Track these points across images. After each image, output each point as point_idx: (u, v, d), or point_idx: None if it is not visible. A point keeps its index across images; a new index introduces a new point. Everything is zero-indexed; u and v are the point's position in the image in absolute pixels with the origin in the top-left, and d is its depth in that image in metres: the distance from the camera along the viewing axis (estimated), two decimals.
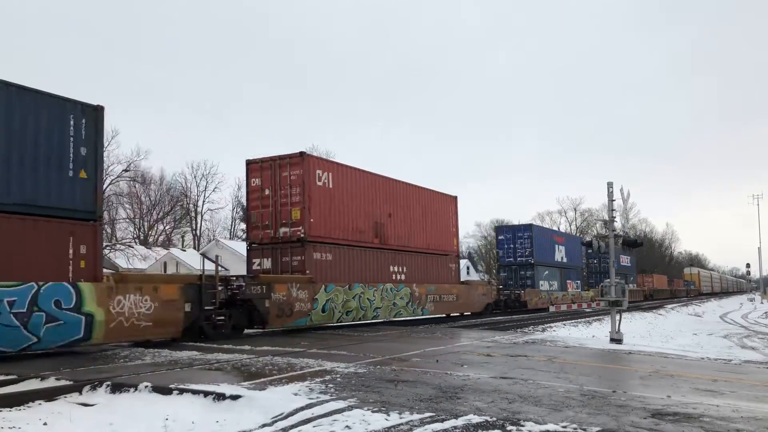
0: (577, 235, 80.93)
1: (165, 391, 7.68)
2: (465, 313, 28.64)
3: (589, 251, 45.61)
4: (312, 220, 18.39)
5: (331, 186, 19.36)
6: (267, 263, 18.87)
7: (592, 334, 24.39)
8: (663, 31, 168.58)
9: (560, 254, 42.26)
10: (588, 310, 39.11)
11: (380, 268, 21.74)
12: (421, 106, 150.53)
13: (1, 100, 11.15)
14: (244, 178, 19.91)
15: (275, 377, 8.90)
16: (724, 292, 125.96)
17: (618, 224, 18.61)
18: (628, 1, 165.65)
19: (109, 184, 35.38)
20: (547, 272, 39.56)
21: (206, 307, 14.64)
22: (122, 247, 35.69)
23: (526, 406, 6.89)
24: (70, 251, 11.88)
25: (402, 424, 5.99)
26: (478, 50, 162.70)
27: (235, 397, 7.19)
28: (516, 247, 38.36)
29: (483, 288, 30.90)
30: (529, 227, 39.01)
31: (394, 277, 22.40)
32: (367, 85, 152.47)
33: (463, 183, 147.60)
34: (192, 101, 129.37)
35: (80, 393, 7.92)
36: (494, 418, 6.15)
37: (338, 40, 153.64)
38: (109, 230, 47.06)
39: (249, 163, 19.51)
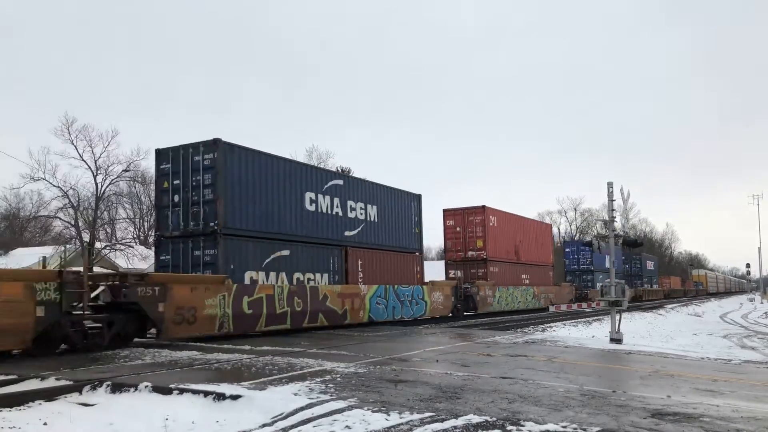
0: (577, 235, 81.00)
1: (165, 391, 7.68)
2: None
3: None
4: (489, 246, 30.37)
5: (496, 225, 31.49)
6: (459, 273, 30.30)
7: (592, 334, 24.40)
8: (663, 32, 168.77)
9: None
10: (588, 310, 39.13)
11: (517, 275, 33.93)
12: (420, 106, 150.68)
13: (390, 197, 23.45)
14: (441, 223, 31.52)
15: (275, 377, 8.90)
16: (727, 292, 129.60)
17: (618, 224, 18.59)
18: (628, 1, 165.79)
19: (109, 184, 35.31)
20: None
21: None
22: (122, 247, 35.63)
23: (526, 406, 6.89)
24: (416, 269, 24.30)
25: (402, 424, 5.99)
26: (478, 50, 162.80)
27: (235, 397, 7.19)
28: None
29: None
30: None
31: (525, 282, 35.00)
32: (367, 84, 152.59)
33: (464, 183, 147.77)
34: (192, 101, 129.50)
35: (80, 393, 7.92)
36: (494, 418, 6.15)
37: (338, 41, 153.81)
38: (109, 230, 47.11)
39: (446, 211, 31.50)
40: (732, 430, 5.93)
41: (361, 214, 21.80)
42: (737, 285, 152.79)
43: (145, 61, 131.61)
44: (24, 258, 42.51)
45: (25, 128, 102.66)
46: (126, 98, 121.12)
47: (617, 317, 17.56)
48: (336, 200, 20.63)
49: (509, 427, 5.83)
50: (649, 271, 67.91)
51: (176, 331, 14.14)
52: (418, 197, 25.15)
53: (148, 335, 14.55)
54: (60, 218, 35.74)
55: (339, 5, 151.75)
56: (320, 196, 19.90)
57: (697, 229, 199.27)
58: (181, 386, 7.77)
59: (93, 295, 12.79)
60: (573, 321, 29.30)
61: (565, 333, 23.61)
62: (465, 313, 28.19)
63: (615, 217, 18.17)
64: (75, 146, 32.96)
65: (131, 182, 42.08)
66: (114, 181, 35.43)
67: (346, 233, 20.97)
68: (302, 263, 18.78)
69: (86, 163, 33.41)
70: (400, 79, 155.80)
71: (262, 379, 8.63)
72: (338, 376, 9.03)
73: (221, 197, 16.00)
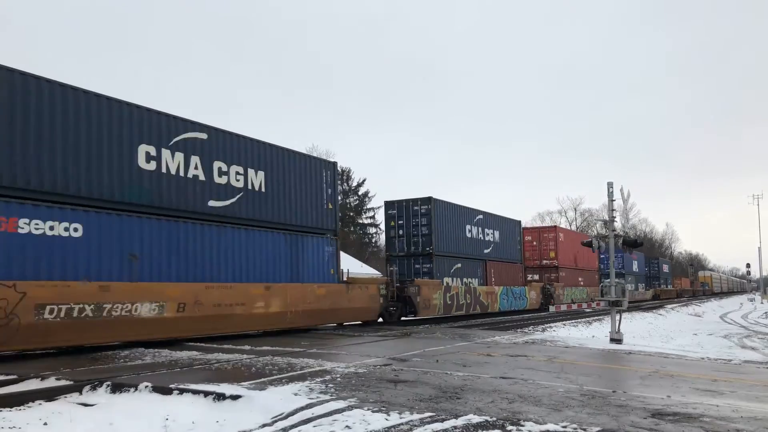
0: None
1: (165, 391, 7.68)
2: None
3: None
4: (559, 256, 38.62)
5: (563, 240, 39.57)
6: (536, 276, 37.97)
7: (592, 334, 24.40)
8: (664, 31, 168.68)
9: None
10: (588, 310, 39.15)
11: (576, 278, 42.44)
12: (419, 106, 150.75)
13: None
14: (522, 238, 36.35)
15: (275, 377, 8.90)
16: (729, 292, 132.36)
17: (618, 224, 18.58)
18: (629, 2, 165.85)
19: None
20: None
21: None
22: None
23: (526, 406, 6.89)
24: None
25: (402, 424, 5.99)
26: (477, 49, 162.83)
27: (235, 397, 7.20)
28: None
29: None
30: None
31: (580, 283, 43.38)
32: (366, 84, 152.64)
33: (463, 183, 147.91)
34: (192, 101, 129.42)
35: (80, 393, 7.92)
36: (494, 418, 6.16)
37: (337, 41, 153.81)
38: None
39: (525, 229, 37.41)
40: (732, 430, 5.93)
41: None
42: (739, 285, 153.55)
43: (146, 62, 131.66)
44: None
45: None
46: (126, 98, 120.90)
47: (617, 317, 17.56)
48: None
49: (509, 427, 5.83)
50: (664, 273, 77.47)
51: (423, 313, 23.50)
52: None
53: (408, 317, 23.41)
54: None
55: (337, 6, 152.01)
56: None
57: (697, 229, 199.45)
58: (181, 386, 7.77)
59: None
60: (573, 321, 29.30)
61: (566, 333, 23.61)
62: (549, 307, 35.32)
63: (615, 217, 18.17)
64: None
65: None
66: None
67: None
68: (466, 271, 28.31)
69: None
70: (399, 78, 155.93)
71: (262, 379, 8.63)
72: (338, 376, 9.03)
73: (433, 232, 25.74)
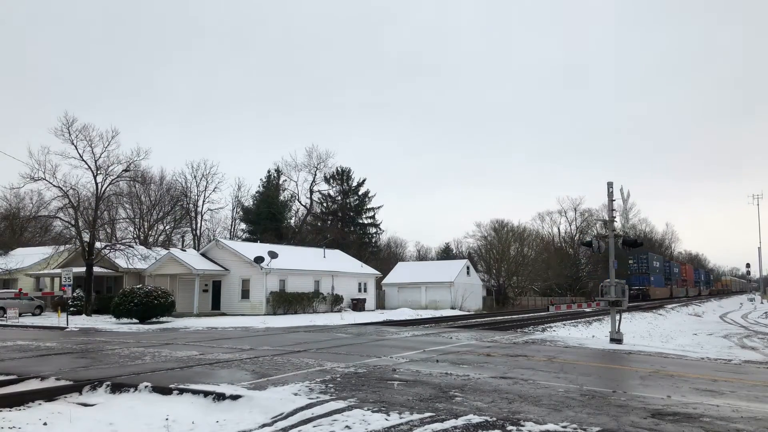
0: (577, 234, 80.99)
1: (165, 391, 7.68)
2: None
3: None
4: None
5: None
6: None
7: (592, 334, 24.41)
8: (664, 31, 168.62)
9: None
10: (588, 310, 39.15)
11: None
12: (419, 105, 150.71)
13: None
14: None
15: (275, 377, 8.90)
16: (731, 292, 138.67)
17: (618, 224, 18.57)
18: (630, 2, 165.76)
19: (109, 184, 35.17)
20: None
21: None
22: (122, 247, 35.55)
23: (526, 406, 6.89)
24: None
25: (402, 423, 5.99)
26: (477, 49, 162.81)
27: (235, 397, 7.19)
28: None
29: None
30: None
31: None
32: (366, 84, 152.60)
33: (463, 183, 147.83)
34: (192, 101, 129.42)
35: (80, 393, 7.91)
36: (494, 418, 6.15)
37: (337, 40, 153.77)
38: (109, 230, 47.05)
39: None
40: (732, 430, 5.92)
41: None
42: (745, 286, 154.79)
43: (144, 61, 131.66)
44: (24, 258, 42.49)
45: (26, 128, 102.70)
46: (127, 98, 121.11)
47: (617, 317, 17.55)
48: None
49: (509, 427, 5.82)
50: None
51: None
52: None
53: None
54: (60, 218, 35.61)
55: (337, 6, 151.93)
56: None
57: (697, 229, 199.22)
58: (181, 386, 7.77)
59: None
60: (573, 321, 29.31)
61: (565, 333, 23.61)
62: None
63: (615, 217, 18.16)
64: (75, 146, 32.84)
65: (131, 182, 42.00)
66: (114, 181, 35.36)
67: None
68: None
69: (86, 163, 33.32)
70: (399, 78, 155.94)
71: (262, 379, 8.62)
72: (338, 375, 9.02)
73: None
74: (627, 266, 67.56)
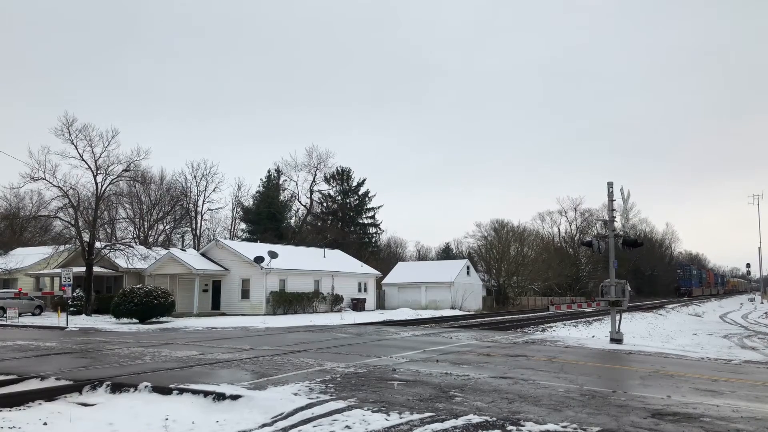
0: (577, 234, 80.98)
1: (165, 391, 7.68)
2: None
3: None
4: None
5: None
6: None
7: (592, 334, 24.41)
8: (663, 31, 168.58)
9: None
10: (588, 310, 39.16)
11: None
12: (419, 105, 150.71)
13: None
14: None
15: (275, 377, 8.90)
16: (743, 291, 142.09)
17: (618, 224, 18.56)
18: (630, 2, 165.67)
19: (109, 184, 35.16)
20: None
21: None
22: (122, 247, 35.53)
23: (526, 406, 6.89)
24: None
25: (402, 423, 5.99)
26: (476, 48, 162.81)
27: (235, 397, 7.19)
28: None
29: None
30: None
31: None
32: (366, 83, 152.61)
33: (463, 183, 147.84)
34: (192, 101, 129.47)
35: (80, 393, 7.91)
36: (494, 418, 6.15)
37: (336, 40, 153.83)
38: (109, 230, 47.03)
39: None
40: (732, 430, 5.92)
41: None
42: (746, 286, 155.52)
43: (146, 62, 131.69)
44: (24, 258, 42.49)
45: (26, 128, 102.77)
46: (126, 98, 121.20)
47: (617, 317, 17.55)
48: None
49: (509, 427, 5.82)
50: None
51: None
52: None
53: None
54: (60, 218, 35.58)
55: (336, 6, 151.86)
56: None
57: (697, 229, 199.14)
58: (181, 386, 7.77)
59: None
60: (573, 321, 29.31)
61: (565, 333, 23.62)
62: None
63: (615, 217, 18.15)
64: (75, 146, 32.82)
65: (131, 182, 41.97)
66: (114, 181, 35.34)
67: None
68: None
69: (86, 163, 33.30)
70: (398, 78, 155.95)
71: (262, 379, 8.62)
72: (338, 375, 9.02)
73: None
74: (676, 274, 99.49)
